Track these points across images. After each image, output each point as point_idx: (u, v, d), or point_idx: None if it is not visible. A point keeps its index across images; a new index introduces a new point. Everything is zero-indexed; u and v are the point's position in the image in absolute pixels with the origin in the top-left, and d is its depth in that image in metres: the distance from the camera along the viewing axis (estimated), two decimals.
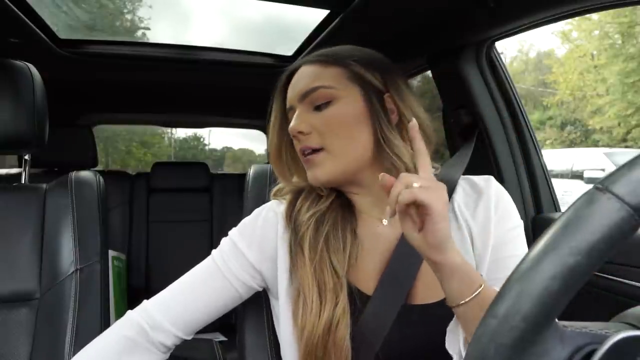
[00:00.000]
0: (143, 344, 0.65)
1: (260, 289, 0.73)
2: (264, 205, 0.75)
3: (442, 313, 0.62)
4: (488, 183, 0.71)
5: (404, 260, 0.65)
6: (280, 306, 0.68)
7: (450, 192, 0.70)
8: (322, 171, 0.65)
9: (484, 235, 0.67)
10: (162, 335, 0.66)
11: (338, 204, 0.70)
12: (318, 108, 0.66)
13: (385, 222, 0.69)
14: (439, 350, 0.59)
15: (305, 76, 0.68)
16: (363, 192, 0.70)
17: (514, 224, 0.69)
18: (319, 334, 0.60)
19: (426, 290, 0.65)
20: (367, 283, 0.65)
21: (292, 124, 0.66)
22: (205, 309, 0.68)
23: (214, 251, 0.73)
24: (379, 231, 0.69)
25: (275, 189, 0.77)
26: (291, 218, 0.69)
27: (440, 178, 0.71)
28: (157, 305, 0.67)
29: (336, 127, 0.65)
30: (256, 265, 0.70)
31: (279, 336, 0.71)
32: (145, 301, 0.69)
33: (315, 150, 0.65)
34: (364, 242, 0.68)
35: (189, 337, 0.70)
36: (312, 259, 0.64)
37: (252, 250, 0.70)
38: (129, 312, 0.69)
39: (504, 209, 0.68)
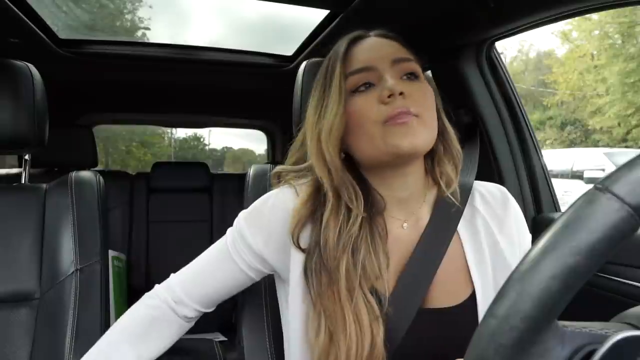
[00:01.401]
0: (169, 315, 0.72)
1: (271, 273, 0.73)
2: (271, 193, 0.72)
3: (457, 318, 0.63)
4: (506, 196, 0.73)
5: (422, 263, 0.64)
6: (291, 307, 0.66)
7: (467, 197, 0.71)
8: (419, 139, 0.61)
9: (512, 250, 0.68)
10: (185, 309, 0.72)
11: (366, 217, 0.64)
12: (407, 79, 0.64)
13: (405, 225, 0.68)
14: (453, 355, 0.58)
15: (389, 45, 0.66)
16: (393, 188, 0.67)
17: (528, 241, 0.72)
18: None
19: (442, 294, 0.65)
20: (384, 284, 0.64)
21: (390, 83, 0.61)
22: (222, 290, 0.72)
23: (228, 231, 0.73)
24: (398, 233, 0.68)
25: (276, 169, 0.74)
26: (313, 222, 0.65)
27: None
28: (180, 282, 0.73)
29: (428, 99, 0.64)
30: (262, 255, 0.69)
31: (284, 323, 0.71)
32: (172, 275, 0.75)
33: (409, 115, 0.61)
34: None
35: (211, 310, 0.75)
36: (349, 298, 0.59)
37: (256, 238, 0.68)
38: (157, 286, 0.74)
39: (523, 229, 0.72)
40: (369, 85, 0.63)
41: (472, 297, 0.64)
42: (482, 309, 0.63)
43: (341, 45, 0.66)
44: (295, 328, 0.66)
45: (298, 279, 0.65)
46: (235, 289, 0.73)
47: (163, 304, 0.71)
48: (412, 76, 0.64)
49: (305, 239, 0.65)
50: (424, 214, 0.69)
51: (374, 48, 0.65)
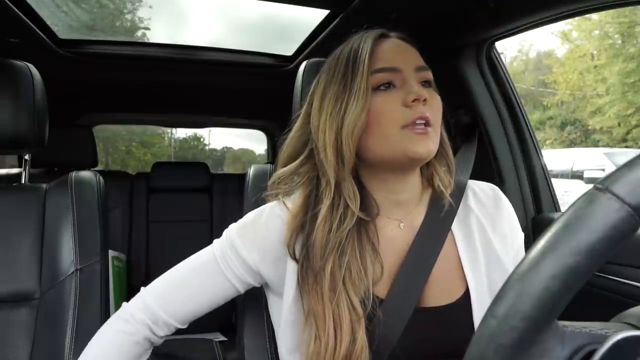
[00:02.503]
0: (147, 336, 0.69)
1: (259, 286, 0.72)
2: (265, 206, 0.71)
3: (451, 316, 0.64)
4: (499, 195, 0.74)
5: (417, 263, 0.65)
6: (283, 317, 0.67)
7: (461, 196, 0.72)
8: (433, 146, 0.63)
9: (505, 249, 0.69)
10: (165, 328, 0.69)
11: (357, 220, 0.65)
12: (424, 86, 0.66)
13: (402, 226, 0.69)
14: (448, 354, 0.60)
15: (413, 52, 0.68)
16: (391, 191, 0.68)
17: (520, 240, 0.73)
18: None
19: (436, 293, 0.65)
20: (379, 286, 0.65)
21: (416, 88, 0.62)
22: (205, 304, 0.70)
23: (215, 242, 0.71)
24: (393, 234, 0.68)
25: (271, 180, 0.73)
26: (302, 230, 0.65)
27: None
28: (157, 300, 0.69)
29: (440, 108, 0.66)
30: (256, 268, 0.68)
31: (277, 337, 0.70)
32: (143, 290, 0.71)
33: (427, 124, 0.63)
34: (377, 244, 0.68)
35: (185, 326, 0.72)
36: (331, 298, 0.61)
37: (252, 253, 0.67)
38: (127, 306, 0.70)
39: (516, 228, 0.73)
40: (389, 85, 0.64)
41: (466, 295, 0.65)
42: (476, 306, 0.64)
43: (366, 40, 0.65)
44: (288, 341, 0.66)
45: (293, 289, 0.65)
46: (218, 304, 0.70)
47: (139, 325, 0.68)
48: (427, 84, 0.66)
49: (298, 249, 0.65)
50: (420, 215, 0.70)
51: (400, 50, 0.67)
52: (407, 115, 0.61)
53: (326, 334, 0.59)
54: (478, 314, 0.64)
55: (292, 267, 0.66)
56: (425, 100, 0.62)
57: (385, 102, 0.63)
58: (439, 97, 0.67)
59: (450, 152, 0.72)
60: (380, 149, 0.64)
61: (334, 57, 0.69)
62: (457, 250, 0.68)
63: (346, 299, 0.61)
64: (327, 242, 0.62)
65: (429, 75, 0.67)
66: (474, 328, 0.63)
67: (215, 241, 0.72)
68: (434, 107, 0.64)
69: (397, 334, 0.61)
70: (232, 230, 0.70)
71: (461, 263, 0.67)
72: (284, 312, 0.67)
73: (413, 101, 0.61)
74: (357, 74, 0.63)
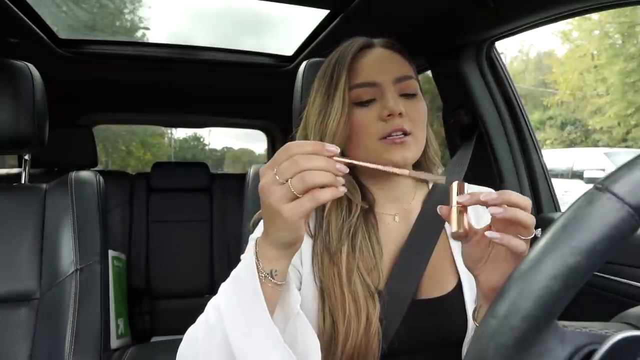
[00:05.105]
0: None
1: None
2: None
3: (446, 307, 0.67)
4: None
5: (413, 256, 0.68)
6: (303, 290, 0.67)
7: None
8: (410, 154, 0.66)
9: None
10: None
11: (362, 208, 0.69)
12: (404, 96, 0.67)
13: (397, 219, 0.72)
14: (442, 344, 0.64)
15: (395, 61, 0.69)
16: (384, 188, 0.72)
17: None
18: (356, 344, 0.61)
19: (431, 285, 0.68)
20: (378, 271, 0.67)
21: (392, 104, 0.65)
22: None
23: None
24: (389, 227, 0.71)
25: None
26: (314, 218, 0.69)
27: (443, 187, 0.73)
28: None
29: (422, 118, 0.68)
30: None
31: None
32: None
33: (405, 134, 0.66)
34: None
35: None
36: (348, 278, 0.63)
37: None
38: None
39: None
40: (369, 101, 0.67)
41: (459, 287, 0.68)
42: (468, 298, 0.67)
43: (348, 53, 0.68)
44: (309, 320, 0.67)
45: (308, 266, 0.67)
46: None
47: None
48: (410, 95, 0.68)
49: (311, 223, 0.69)
50: (415, 209, 0.73)
51: (379, 62, 0.68)
52: (384, 128, 0.65)
53: (345, 313, 0.61)
54: (470, 305, 0.66)
55: (307, 244, 0.68)
56: (400, 114, 0.65)
57: (364, 117, 0.67)
58: (421, 105, 0.69)
59: (435, 158, 0.75)
60: (362, 158, 0.66)
61: (323, 66, 0.72)
62: (449, 244, 0.71)
63: (359, 278, 0.64)
64: (342, 228, 0.66)
65: (411, 85, 0.68)
66: (467, 318, 0.66)
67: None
68: (413, 117, 0.67)
69: (395, 325, 0.64)
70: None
71: (453, 256, 0.70)
72: (302, 292, 0.67)
73: (388, 116, 0.65)
74: (337, 88, 0.67)
